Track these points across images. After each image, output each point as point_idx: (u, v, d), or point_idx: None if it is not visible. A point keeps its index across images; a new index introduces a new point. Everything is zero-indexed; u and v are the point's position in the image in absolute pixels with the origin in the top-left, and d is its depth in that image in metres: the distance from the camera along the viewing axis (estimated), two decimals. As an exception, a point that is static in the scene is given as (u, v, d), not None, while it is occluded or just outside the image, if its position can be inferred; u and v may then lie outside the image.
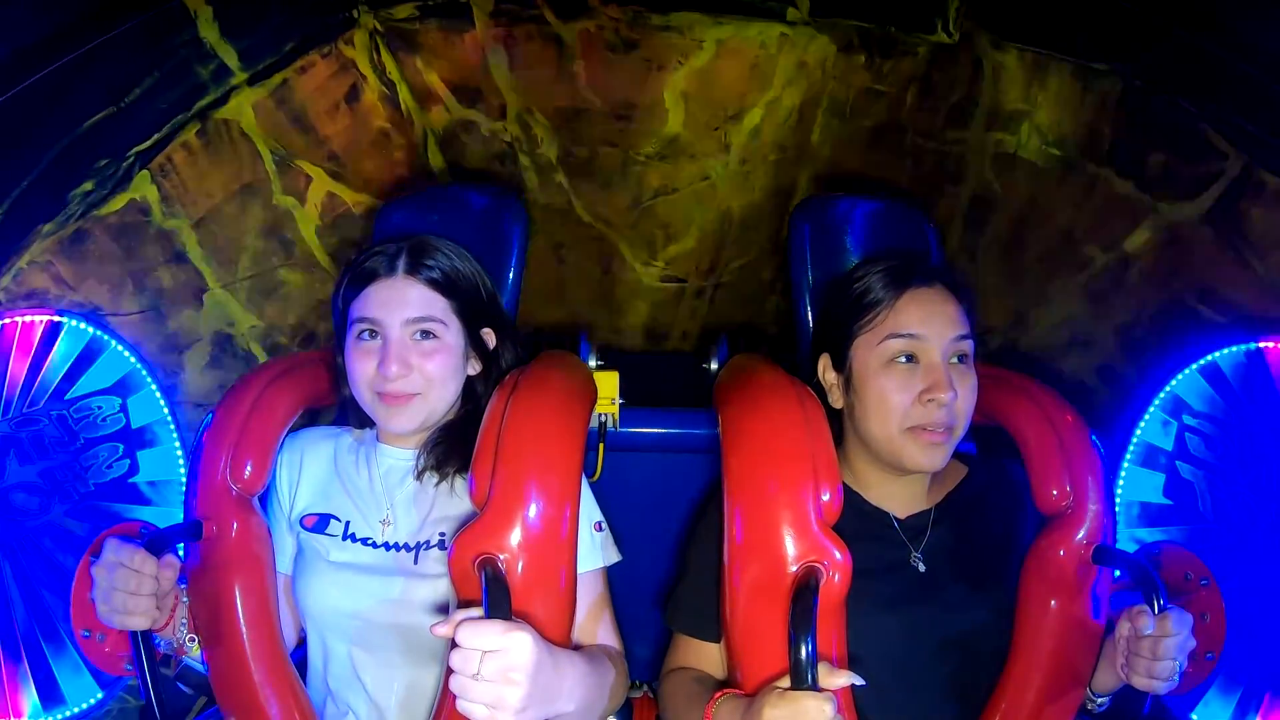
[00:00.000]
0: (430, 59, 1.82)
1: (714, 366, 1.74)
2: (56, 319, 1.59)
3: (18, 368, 1.57)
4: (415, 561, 1.29)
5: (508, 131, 1.93)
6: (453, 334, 1.30)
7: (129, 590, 1.15)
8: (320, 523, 1.35)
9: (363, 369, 1.27)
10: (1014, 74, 1.75)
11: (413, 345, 1.27)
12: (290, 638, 1.39)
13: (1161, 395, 1.64)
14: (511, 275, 1.58)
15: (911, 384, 1.26)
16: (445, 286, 1.30)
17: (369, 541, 1.32)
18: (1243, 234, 1.60)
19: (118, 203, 1.65)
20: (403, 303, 1.27)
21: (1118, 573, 1.29)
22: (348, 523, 1.34)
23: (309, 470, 1.39)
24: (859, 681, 1.07)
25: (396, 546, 1.31)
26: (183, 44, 1.58)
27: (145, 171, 1.66)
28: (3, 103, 1.39)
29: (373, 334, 1.28)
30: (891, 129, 1.93)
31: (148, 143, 1.63)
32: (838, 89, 1.87)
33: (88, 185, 1.58)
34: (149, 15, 1.51)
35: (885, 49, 1.80)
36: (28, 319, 1.58)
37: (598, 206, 2.07)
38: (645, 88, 1.86)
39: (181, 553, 1.32)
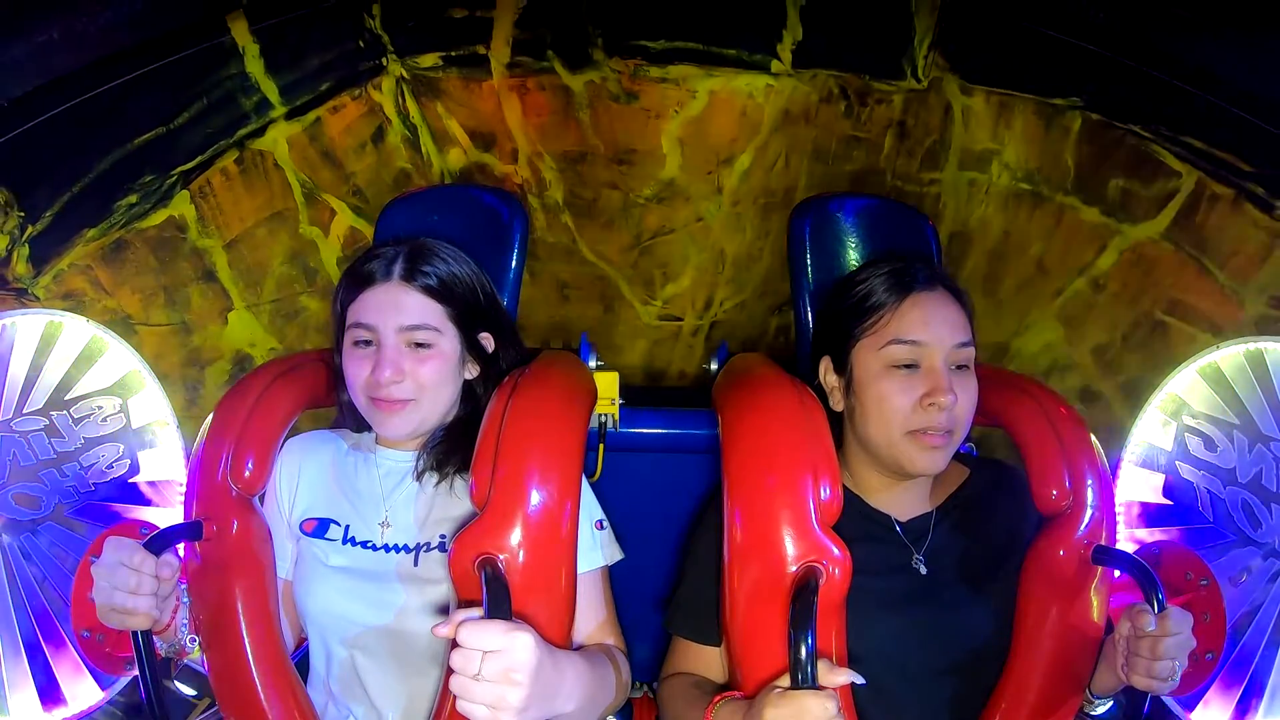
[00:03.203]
0: (450, 105, 1.98)
1: (714, 368, 1.74)
2: (57, 319, 1.60)
3: (18, 368, 1.56)
4: (415, 564, 1.29)
5: (519, 174, 2.07)
6: (448, 340, 1.31)
7: (129, 590, 1.14)
8: (320, 527, 1.36)
9: (358, 374, 1.29)
10: (982, 115, 1.90)
11: (407, 351, 1.28)
12: (290, 641, 1.38)
13: (1161, 395, 1.65)
14: (511, 274, 1.59)
15: (912, 388, 1.27)
16: (441, 293, 1.31)
17: (368, 544, 1.32)
18: (1202, 246, 1.69)
19: (158, 217, 1.75)
20: (398, 309, 1.28)
21: (1118, 572, 1.29)
22: (347, 526, 1.35)
23: (308, 475, 1.40)
24: (858, 680, 1.08)
25: (396, 548, 1.31)
26: (229, 76, 1.73)
27: (185, 191, 1.77)
28: (64, 111, 1.52)
29: (368, 339, 1.29)
30: (872, 173, 2.05)
31: (190, 164, 1.75)
32: (821, 136, 2.01)
33: (132, 198, 1.69)
34: (203, 47, 1.67)
35: (862, 97, 1.94)
36: (28, 318, 1.58)
37: (600, 246, 2.18)
38: (645, 134, 2.00)
39: (182, 552, 1.31)
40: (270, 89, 1.80)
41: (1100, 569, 1.27)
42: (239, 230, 1.88)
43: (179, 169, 1.74)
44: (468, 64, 1.92)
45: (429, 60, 1.92)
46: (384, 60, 1.90)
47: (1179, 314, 1.75)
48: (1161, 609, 1.12)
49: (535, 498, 1.12)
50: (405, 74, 1.93)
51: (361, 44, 1.87)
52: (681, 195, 2.08)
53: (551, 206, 2.11)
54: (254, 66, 1.76)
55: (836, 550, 1.14)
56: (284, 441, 1.39)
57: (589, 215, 2.13)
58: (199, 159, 1.77)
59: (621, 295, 2.26)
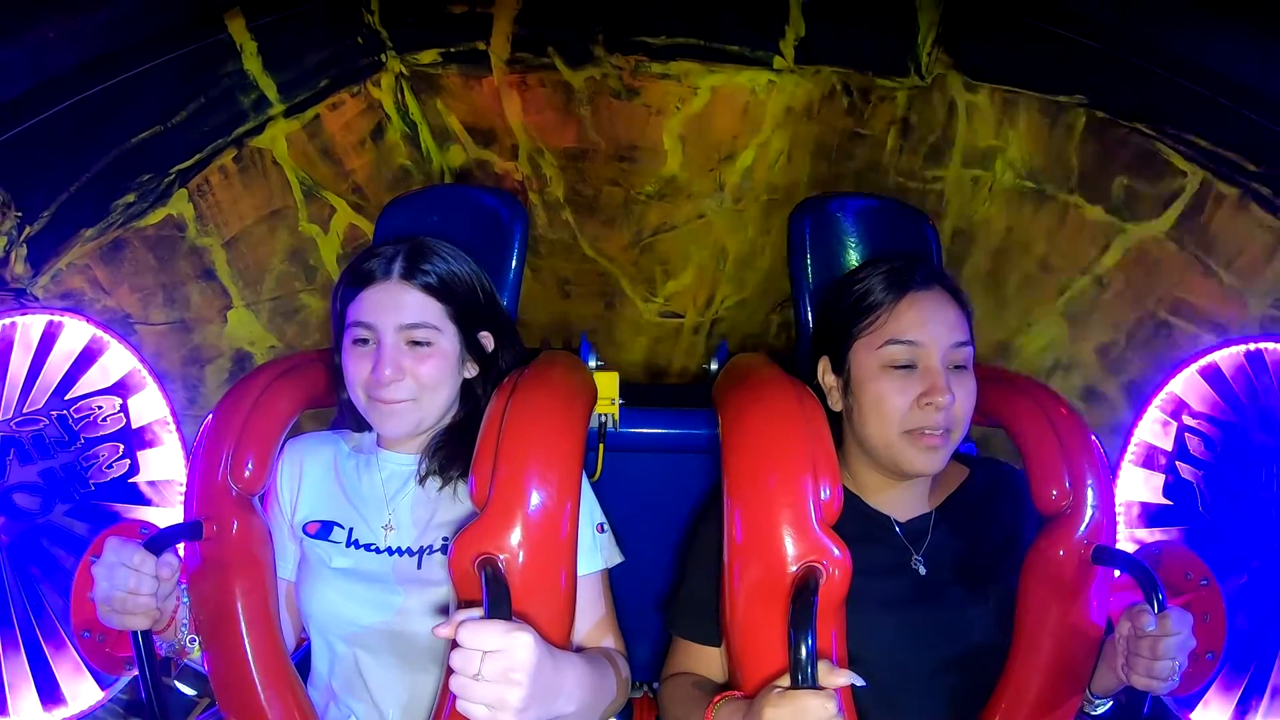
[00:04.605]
0: (450, 102, 1.96)
1: (714, 367, 1.72)
2: (57, 318, 1.61)
3: (18, 368, 1.57)
4: (418, 566, 1.29)
5: (519, 171, 2.05)
6: (447, 339, 1.31)
7: (129, 590, 1.14)
8: (323, 530, 1.35)
9: (357, 372, 1.29)
10: (985, 112, 1.88)
11: (406, 350, 1.28)
12: (290, 641, 1.38)
13: (1160, 396, 1.65)
14: (511, 275, 1.58)
15: (909, 388, 1.26)
16: (441, 291, 1.30)
17: (372, 547, 1.32)
18: (1206, 246, 1.68)
19: (156, 216, 1.74)
20: (397, 307, 1.28)
21: (1118, 572, 1.28)
22: (350, 529, 1.34)
23: (309, 477, 1.39)
24: (859, 681, 1.07)
25: (399, 551, 1.31)
26: (227, 74, 1.72)
27: (184, 190, 1.76)
28: (61, 110, 1.51)
29: (367, 338, 1.29)
30: (875, 169, 2.04)
31: (188, 162, 1.74)
32: (823, 132, 2.00)
33: (130, 197, 1.68)
34: (200, 45, 1.66)
35: (865, 94, 1.93)
36: (28, 319, 1.59)
37: (601, 243, 2.17)
38: (646, 131, 1.98)
39: (182, 552, 1.31)
40: (268, 86, 1.79)
41: (1100, 569, 1.26)
42: (238, 228, 1.88)
43: (177, 167, 1.74)
44: (467, 60, 1.91)
45: (428, 56, 1.90)
46: (383, 57, 1.89)
47: (1183, 314, 1.74)
48: (1161, 609, 1.12)
49: (535, 498, 1.12)
50: (405, 70, 1.92)
51: (360, 40, 1.85)
52: (683, 192, 2.07)
53: (552, 203, 2.10)
54: (252, 64, 1.75)
55: (836, 550, 1.14)
56: (284, 442, 1.39)
57: (590, 212, 2.12)
58: (197, 157, 1.76)
59: (623, 292, 2.25)
